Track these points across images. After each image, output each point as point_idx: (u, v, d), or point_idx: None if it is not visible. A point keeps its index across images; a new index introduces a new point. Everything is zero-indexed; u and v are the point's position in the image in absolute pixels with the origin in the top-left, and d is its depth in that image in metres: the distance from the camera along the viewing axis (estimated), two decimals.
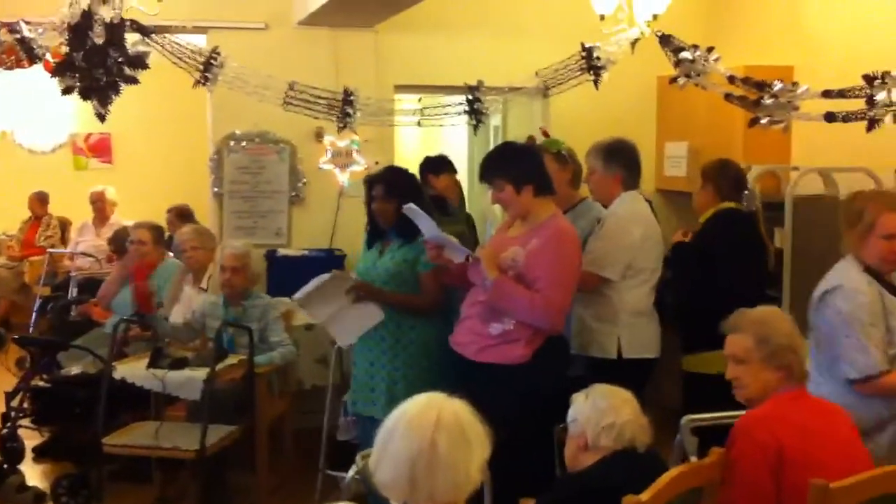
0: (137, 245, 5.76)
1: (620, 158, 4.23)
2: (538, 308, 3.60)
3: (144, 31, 4.65)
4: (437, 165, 6.09)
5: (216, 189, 6.42)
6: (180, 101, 7.61)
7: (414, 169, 6.03)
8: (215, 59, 4.88)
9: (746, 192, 4.77)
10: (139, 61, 4.33)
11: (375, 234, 4.35)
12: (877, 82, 3.83)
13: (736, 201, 4.59)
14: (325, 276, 4.11)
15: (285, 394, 5.30)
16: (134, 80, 4.38)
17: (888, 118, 3.82)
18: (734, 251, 4.45)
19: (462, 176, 8.98)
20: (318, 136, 6.39)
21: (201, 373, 4.43)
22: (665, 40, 5.07)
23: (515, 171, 3.73)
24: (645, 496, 2.45)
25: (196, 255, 5.46)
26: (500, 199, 3.78)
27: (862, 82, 3.96)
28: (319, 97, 5.30)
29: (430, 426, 1.93)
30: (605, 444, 2.80)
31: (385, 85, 6.49)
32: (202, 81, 4.90)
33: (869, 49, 5.36)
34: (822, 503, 2.46)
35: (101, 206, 8.31)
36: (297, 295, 4.18)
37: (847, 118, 4.01)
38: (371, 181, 4.34)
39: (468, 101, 5.64)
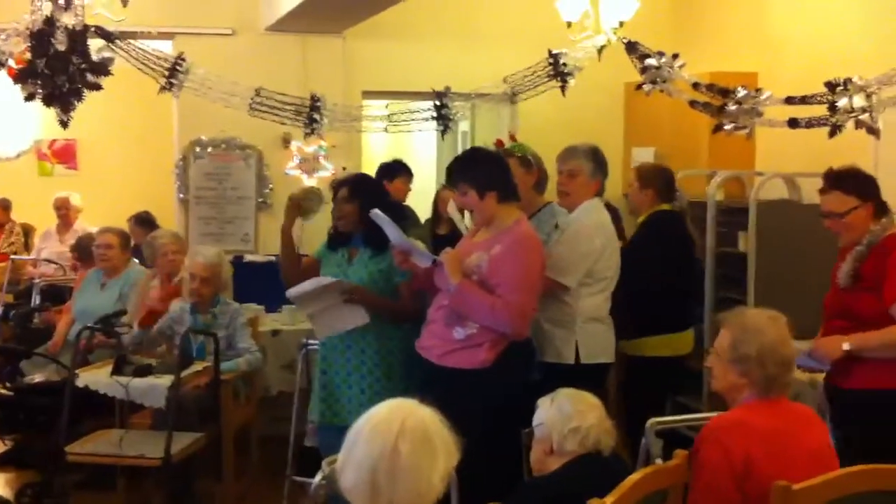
0: (104, 249, 5.71)
1: (603, 166, 4.27)
2: (500, 313, 3.60)
3: (108, 36, 4.61)
4: (391, 170, 6.09)
5: (182, 195, 6.38)
6: (146, 107, 7.54)
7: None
8: (181, 64, 4.86)
9: (677, 193, 5.25)
10: (102, 68, 4.30)
11: (340, 240, 4.34)
12: (839, 89, 3.88)
13: (670, 203, 4.96)
14: (326, 281, 4.10)
15: (252, 400, 5.27)
16: (97, 87, 4.35)
17: (849, 124, 3.87)
18: (671, 247, 4.83)
19: (431, 181, 9.02)
20: (285, 141, 6.37)
21: (165, 380, 4.39)
22: (631, 47, 5.11)
23: (479, 177, 3.73)
24: (609, 499, 2.45)
25: (176, 258, 5.42)
26: (464, 203, 3.80)
27: (824, 89, 4.00)
28: (286, 103, 5.28)
29: (393, 432, 1.92)
30: (570, 449, 2.81)
31: (353, 91, 6.50)
32: (167, 87, 4.87)
33: (831, 56, 5.43)
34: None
35: (65, 213, 8.21)
36: (293, 291, 4.18)
37: (810, 124, 4.05)
38: (338, 184, 4.36)
39: (436, 106, 5.65)
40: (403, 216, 5.61)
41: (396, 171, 6.12)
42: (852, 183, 3.59)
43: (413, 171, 6.29)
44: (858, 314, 3.52)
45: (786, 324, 2.83)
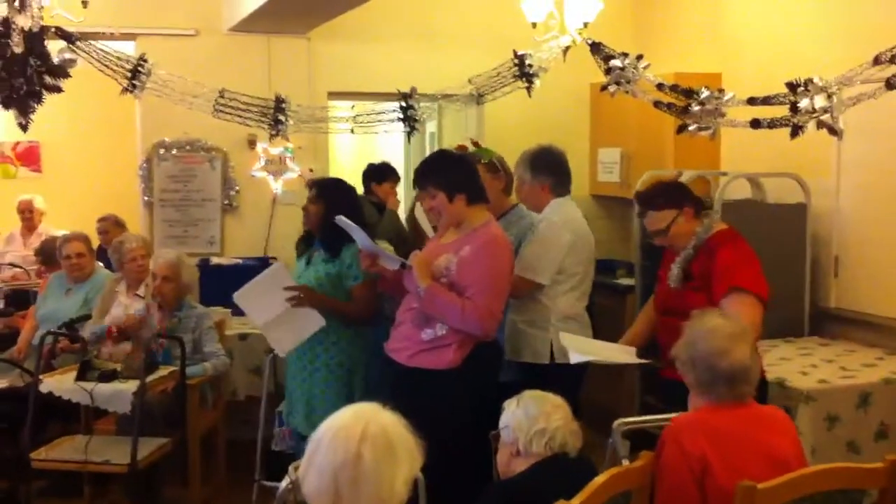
0: (76, 258, 5.64)
1: (546, 166, 4.27)
2: (469, 315, 3.61)
3: (69, 38, 4.55)
4: (380, 173, 6.09)
5: (146, 197, 6.33)
6: (111, 109, 7.47)
7: (355, 176, 6.05)
8: (143, 66, 4.80)
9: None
10: (60, 70, 4.23)
11: (307, 243, 4.38)
12: (800, 90, 3.88)
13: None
14: (266, 271, 4.12)
15: (219, 405, 5.23)
16: (57, 89, 4.28)
17: (811, 125, 3.89)
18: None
19: (399, 183, 9.00)
20: (251, 143, 6.34)
21: (131, 385, 4.35)
22: (595, 48, 5.10)
23: (448, 180, 3.74)
24: (575, 501, 2.46)
25: (144, 263, 5.37)
26: (433, 206, 3.79)
27: (786, 90, 4.02)
28: (250, 104, 5.24)
29: (355, 438, 1.91)
30: (536, 451, 2.82)
31: (318, 92, 6.48)
32: (129, 89, 4.82)
33: (793, 56, 5.47)
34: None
35: (29, 216, 8.10)
36: (238, 293, 4.19)
37: (772, 125, 4.06)
38: (309, 184, 4.45)
39: (401, 108, 5.63)
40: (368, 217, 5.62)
41: (385, 174, 6.11)
42: (661, 198, 3.72)
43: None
44: (689, 313, 3.57)
45: (731, 335, 2.83)
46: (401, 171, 9.02)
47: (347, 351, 4.25)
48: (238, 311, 5.70)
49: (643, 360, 3.77)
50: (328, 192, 4.28)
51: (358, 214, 4.21)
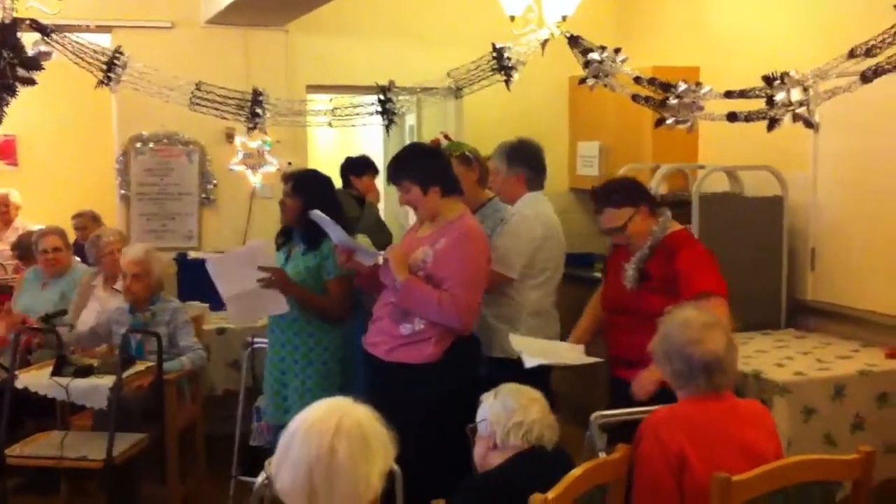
0: (52, 253, 5.61)
1: (523, 159, 4.27)
2: (447, 308, 3.61)
3: (43, 30, 4.52)
4: (358, 166, 6.07)
5: (123, 191, 6.29)
6: (87, 102, 7.42)
7: (334, 169, 6.03)
8: (118, 58, 4.77)
9: None
10: (34, 63, 4.20)
11: (286, 236, 4.37)
12: (776, 83, 3.90)
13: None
14: (249, 244, 4.15)
15: (196, 399, 5.21)
16: (30, 82, 4.25)
17: (787, 118, 3.90)
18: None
19: (378, 176, 8.97)
20: (229, 137, 6.31)
21: (107, 380, 4.32)
22: (574, 41, 5.10)
23: (422, 172, 3.74)
24: (551, 494, 2.46)
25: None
26: (408, 200, 3.78)
27: (762, 83, 4.03)
28: (228, 97, 5.21)
29: (329, 432, 1.90)
30: (513, 444, 2.82)
31: (297, 85, 6.45)
32: (105, 82, 4.78)
33: (771, 50, 5.50)
34: (723, 496, 2.50)
35: (4, 211, 8.05)
36: (213, 259, 4.23)
37: (749, 118, 4.07)
38: (285, 177, 4.41)
39: (380, 101, 5.62)
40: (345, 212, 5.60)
41: (364, 167, 6.10)
42: (619, 195, 3.71)
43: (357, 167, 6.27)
44: (646, 313, 3.54)
45: (704, 325, 2.85)
46: (380, 164, 8.98)
47: (326, 345, 4.24)
48: (216, 306, 5.71)
49: (594, 360, 3.73)
50: (304, 185, 4.26)
51: (335, 206, 4.19)
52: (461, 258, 3.66)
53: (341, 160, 6.44)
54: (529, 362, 3.62)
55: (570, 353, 3.82)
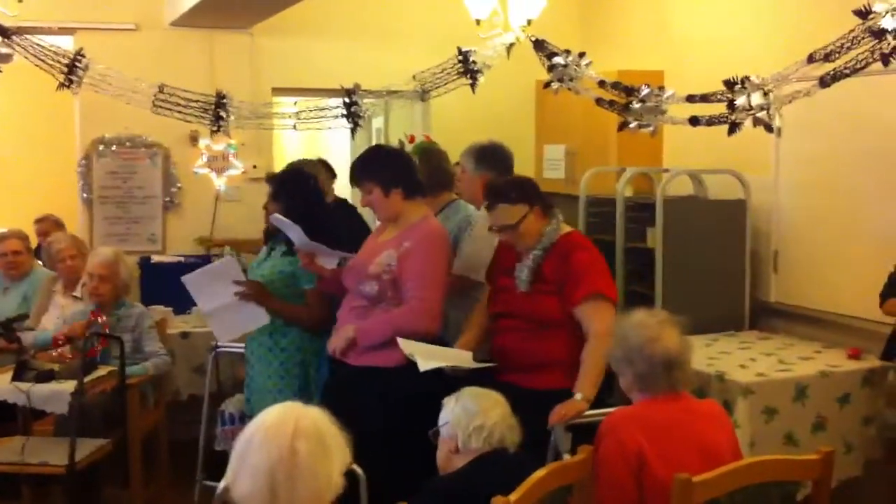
0: (12, 256, 5.55)
1: (490, 161, 4.26)
2: (406, 320, 3.61)
3: (4, 32, 4.48)
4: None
5: (85, 195, 6.25)
6: (49, 105, 7.34)
7: None
8: (80, 60, 4.74)
9: None
10: None
11: (271, 235, 4.30)
12: (737, 87, 3.93)
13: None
14: (218, 262, 4.09)
15: (160, 404, 5.17)
16: None
17: (748, 122, 3.94)
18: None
19: (345, 178, 8.93)
20: (193, 139, 6.28)
21: (69, 385, 4.27)
22: (539, 45, 5.13)
23: (384, 174, 3.71)
24: (514, 496, 2.46)
25: (75, 263, 5.30)
26: (369, 202, 3.76)
27: (723, 87, 4.07)
28: (191, 100, 5.20)
29: (288, 434, 1.90)
30: (475, 447, 2.83)
31: (262, 87, 6.43)
32: (66, 84, 4.75)
33: (733, 54, 5.55)
34: (684, 496, 2.52)
35: None
36: (187, 277, 4.10)
37: (710, 122, 4.11)
38: (268, 179, 4.39)
39: (345, 104, 5.62)
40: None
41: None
42: (515, 192, 3.63)
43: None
44: (540, 317, 3.58)
45: (659, 322, 2.89)
46: (346, 167, 9.00)
47: (304, 347, 4.15)
48: (180, 310, 5.68)
49: (486, 364, 3.61)
50: (285, 189, 4.15)
51: (318, 204, 4.14)
52: (426, 261, 3.64)
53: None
54: (424, 366, 3.49)
55: (460, 359, 3.65)
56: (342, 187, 6.08)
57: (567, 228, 3.71)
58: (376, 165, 3.78)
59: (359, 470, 3.15)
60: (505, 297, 3.69)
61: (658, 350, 2.83)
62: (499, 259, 3.78)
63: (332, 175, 6.19)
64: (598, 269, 3.60)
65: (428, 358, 3.53)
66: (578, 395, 3.44)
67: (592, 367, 3.46)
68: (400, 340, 3.60)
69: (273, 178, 4.34)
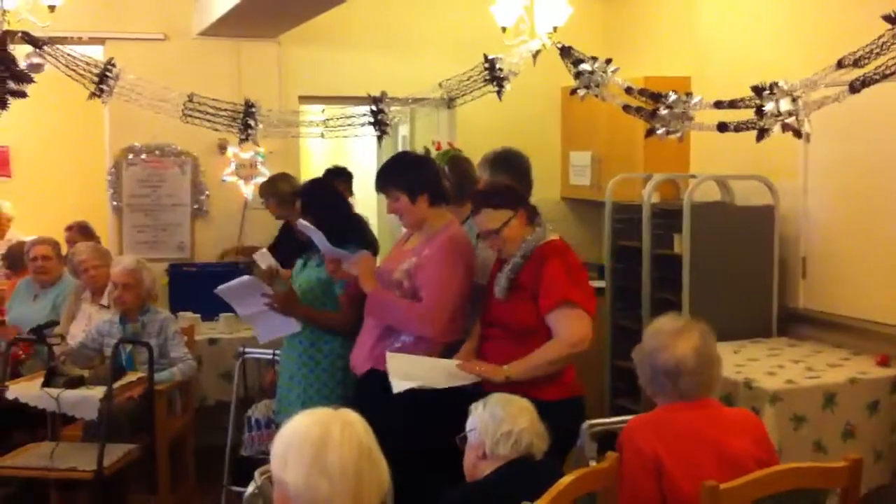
0: (41, 261, 5.61)
1: (507, 168, 4.24)
2: (415, 316, 3.58)
3: (36, 43, 4.53)
4: (333, 177, 6.06)
5: (115, 203, 6.31)
6: (80, 114, 7.43)
7: None
8: (110, 70, 4.79)
9: None
10: (24, 76, 4.22)
11: (304, 249, 4.33)
12: (765, 93, 3.91)
13: None
14: (244, 279, 4.12)
15: (187, 410, 5.20)
16: (21, 94, 4.27)
17: (776, 128, 3.92)
18: None
19: (371, 185, 8.95)
20: (222, 148, 6.32)
21: (97, 391, 4.32)
22: (565, 52, 5.13)
23: (410, 181, 3.71)
24: (540, 503, 2.46)
25: (98, 273, 5.34)
26: (395, 208, 3.76)
27: (751, 93, 4.05)
28: (220, 109, 5.23)
29: (363, 431, 1.96)
30: (502, 453, 2.82)
31: (289, 96, 6.47)
32: (97, 94, 4.80)
33: (760, 60, 5.52)
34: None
35: None
36: (220, 288, 4.15)
37: (738, 128, 4.08)
38: (296, 193, 4.39)
39: (372, 111, 5.64)
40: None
41: (336, 176, 6.08)
42: (499, 197, 3.58)
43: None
44: (517, 325, 3.50)
45: (674, 330, 2.86)
46: (373, 174, 9.02)
47: (344, 354, 4.16)
48: (207, 316, 5.73)
49: (468, 380, 3.47)
50: (313, 202, 4.20)
51: (345, 219, 4.17)
52: (440, 265, 3.61)
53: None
54: (398, 387, 3.41)
55: (446, 375, 3.50)
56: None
57: (553, 237, 3.61)
58: (403, 172, 3.79)
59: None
60: (487, 305, 3.63)
61: (662, 359, 2.82)
62: (494, 267, 3.73)
63: (348, 180, 6.22)
64: (573, 278, 3.48)
65: (404, 377, 3.44)
66: (506, 367, 3.38)
67: (536, 358, 3.40)
68: (388, 355, 3.56)
69: (301, 192, 4.36)
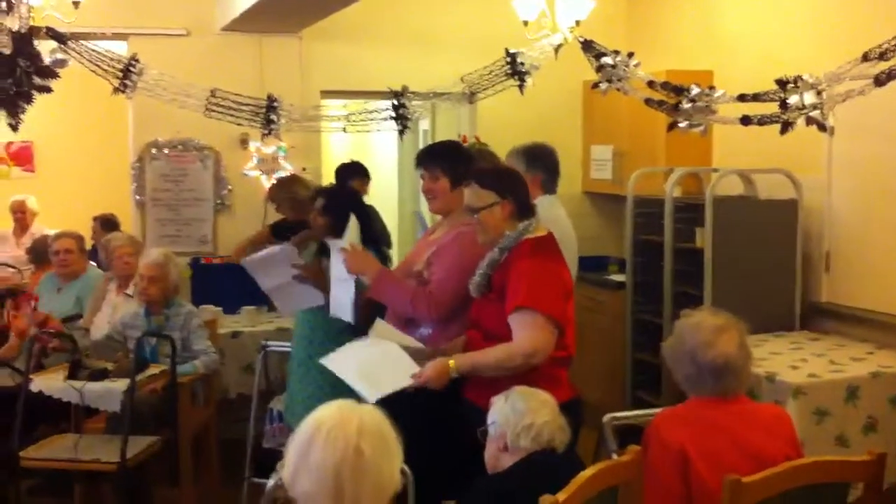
0: (64, 255, 5.66)
1: (541, 161, 4.26)
2: (419, 299, 3.55)
3: (60, 38, 4.57)
4: (347, 172, 6.08)
5: (138, 197, 6.35)
6: (104, 109, 7.50)
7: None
8: (134, 66, 4.82)
9: None
10: (49, 71, 4.25)
11: (321, 250, 4.38)
12: (789, 86, 3.90)
13: None
14: (275, 249, 4.28)
15: (210, 403, 5.23)
16: (46, 89, 4.30)
17: (800, 121, 3.90)
18: None
19: (392, 180, 9.01)
20: (244, 142, 6.35)
21: (121, 384, 4.35)
22: (587, 46, 5.13)
23: (457, 169, 3.69)
24: (562, 496, 2.46)
25: (131, 261, 5.36)
26: (431, 189, 3.72)
27: (775, 86, 4.04)
28: (242, 104, 5.26)
29: (353, 433, 1.91)
30: (524, 446, 2.82)
31: (311, 91, 6.48)
32: (121, 89, 4.84)
33: (783, 53, 5.49)
34: (734, 498, 2.50)
35: (21, 216, 8.12)
36: (248, 259, 4.32)
37: (762, 121, 4.08)
38: (316, 194, 4.47)
39: (394, 106, 5.65)
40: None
41: (353, 172, 6.11)
42: (491, 179, 3.35)
43: (371, 171, 6.28)
44: (487, 325, 3.33)
45: (717, 327, 2.83)
46: (394, 168, 9.06)
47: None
48: (230, 310, 5.76)
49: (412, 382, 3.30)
50: (333, 206, 4.23)
51: (366, 223, 4.20)
52: (454, 251, 3.59)
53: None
54: (372, 397, 3.17)
55: (403, 372, 3.34)
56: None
57: (539, 233, 3.35)
58: (456, 157, 3.77)
59: (406, 468, 3.16)
60: (472, 303, 3.46)
61: (709, 356, 2.79)
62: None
63: (366, 177, 6.24)
64: (540, 281, 3.21)
65: (376, 379, 3.32)
66: (452, 362, 3.25)
67: (483, 356, 3.24)
68: (379, 322, 3.55)
69: (322, 192, 4.42)
